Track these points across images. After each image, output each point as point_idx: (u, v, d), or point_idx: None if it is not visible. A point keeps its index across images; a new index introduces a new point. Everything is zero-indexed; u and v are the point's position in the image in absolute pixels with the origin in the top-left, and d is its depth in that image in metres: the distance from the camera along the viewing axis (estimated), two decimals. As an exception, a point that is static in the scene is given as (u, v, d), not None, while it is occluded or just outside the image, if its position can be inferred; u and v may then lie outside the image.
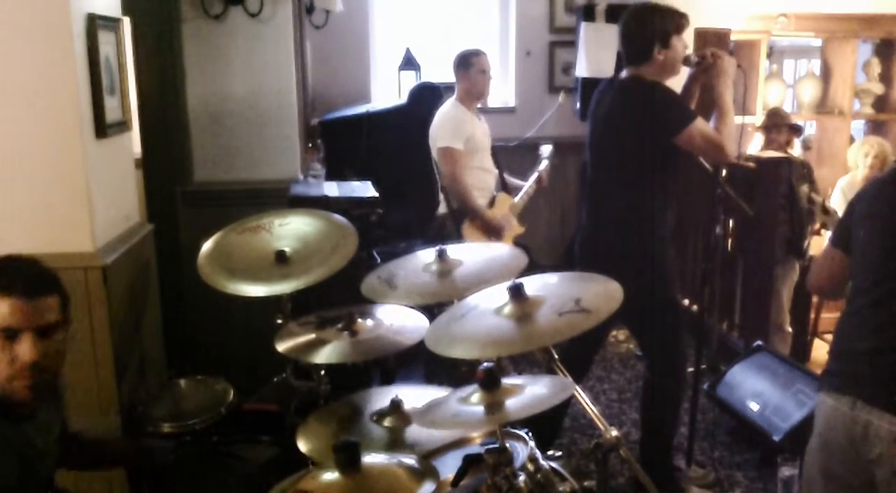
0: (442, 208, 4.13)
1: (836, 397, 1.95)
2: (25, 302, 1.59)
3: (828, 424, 1.98)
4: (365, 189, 3.08)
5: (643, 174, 2.88)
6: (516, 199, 4.16)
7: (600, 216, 3.07)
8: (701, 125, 2.81)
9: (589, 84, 4.71)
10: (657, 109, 2.82)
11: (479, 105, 4.17)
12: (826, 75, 5.38)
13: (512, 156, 5.32)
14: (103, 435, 2.24)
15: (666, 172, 2.91)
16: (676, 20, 2.87)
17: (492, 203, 4.08)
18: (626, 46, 2.93)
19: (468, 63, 4.03)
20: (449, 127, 3.98)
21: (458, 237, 3.89)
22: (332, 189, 3.09)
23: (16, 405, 1.64)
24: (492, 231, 3.98)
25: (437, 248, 2.12)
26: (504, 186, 4.23)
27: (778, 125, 4.36)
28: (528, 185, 4.21)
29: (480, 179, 4.06)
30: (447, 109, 4.08)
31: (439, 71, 5.43)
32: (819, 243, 4.05)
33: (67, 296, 1.70)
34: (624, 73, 2.96)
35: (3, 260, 1.67)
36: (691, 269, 4.59)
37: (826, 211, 4.00)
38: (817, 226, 4.08)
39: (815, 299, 4.28)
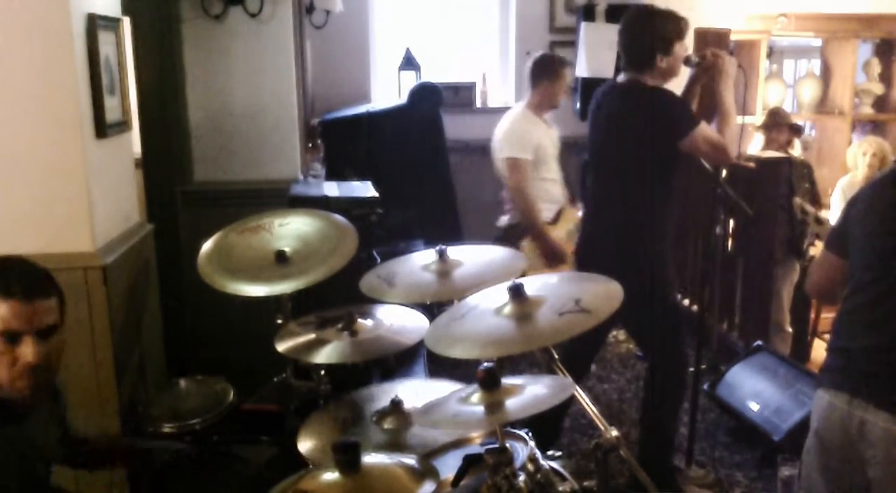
0: (504, 220, 4.00)
1: (833, 393, 1.96)
2: (26, 305, 1.59)
3: (824, 420, 1.98)
4: (365, 189, 3.07)
5: (644, 178, 2.87)
6: (580, 212, 3.87)
7: (601, 219, 3.06)
8: (704, 129, 2.79)
9: (589, 84, 4.71)
10: (660, 114, 2.80)
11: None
12: (826, 75, 5.38)
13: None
14: (106, 437, 2.23)
15: (667, 175, 2.90)
16: (677, 26, 2.84)
17: (557, 218, 3.89)
18: (626, 52, 2.90)
19: (557, 73, 3.88)
20: (517, 136, 3.84)
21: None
22: (332, 189, 3.09)
23: (13, 406, 1.64)
24: (552, 256, 3.77)
25: (438, 248, 2.12)
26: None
27: (779, 125, 4.36)
28: None
29: (546, 190, 3.88)
30: (515, 117, 3.93)
31: (439, 71, 5.45)
32: (817, 247, 4.04)
33: (63, 297, 1.70)
34: (623, 77, 2.94)
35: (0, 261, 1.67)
36: (691, 269, 4.59)
37: (819, 221, 3.99)
38: (812, 239, 4.06)
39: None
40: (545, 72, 3.91)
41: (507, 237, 3.87)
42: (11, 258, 1.68)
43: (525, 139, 3.82)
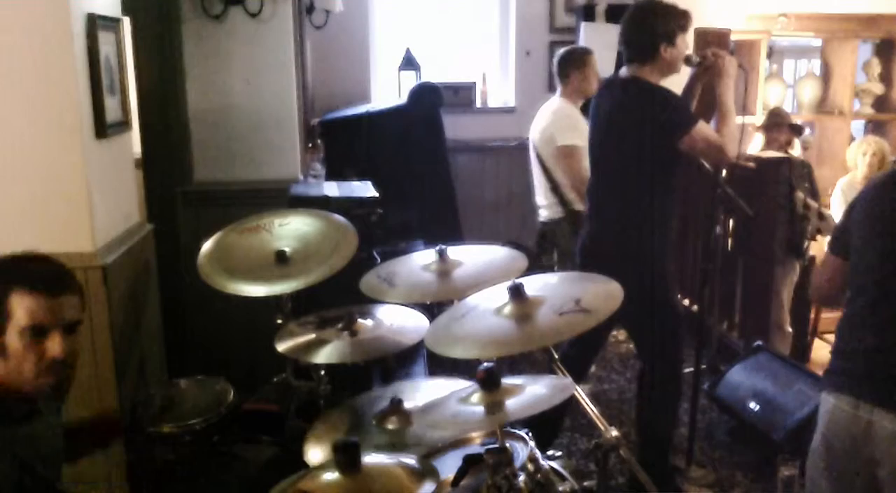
0: (546, 213, 4.02)
1: (837, 396, 1.96)
2: (52, 299, 1.60)
3: (830, 423, 1.98)
4: (365, 189, 3.07)
5: (645, 177, 2.87)
6: None
7: (602, 219, 3.06)
8: (702, 128, 2.79)
9: (589, 84, 4.71)
10: (658, 112, 2.80)
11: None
12: (826, 75, 5.38)
13: (511, 156, 5.33)
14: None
15: (667, 174, 2.90)
16: (680, 19, 2.86)
17: None
18: (629, 45, 2.91)
19: (584, 62, 3.96)
20: (570, 123, 3.88)
21: (572, 243, 3.72)
22: (332, 189, 3.09)
23: (17, 406, 1.64)
24: None
25: (438, 248, 2.12)
26: None
27: (779, 125, 4.36)
28: None
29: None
30: (560, 106, 3.97)
31: (439, 71, 5.45)
32: (818, 246, 4.04)
33: (84, 294, 1.71)
34: (624, 73, 2.94)
35: (24, 258, 1.67)
36: (691, 269, 4.59)
37: (822, 216, 3.99)
38: (814, 233, 4.07)
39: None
40: (573, 62, 3.97)
41: (559, 228, 3.94)
42: (35, 255, 1.69)
43: (578, 126, 3.86)
